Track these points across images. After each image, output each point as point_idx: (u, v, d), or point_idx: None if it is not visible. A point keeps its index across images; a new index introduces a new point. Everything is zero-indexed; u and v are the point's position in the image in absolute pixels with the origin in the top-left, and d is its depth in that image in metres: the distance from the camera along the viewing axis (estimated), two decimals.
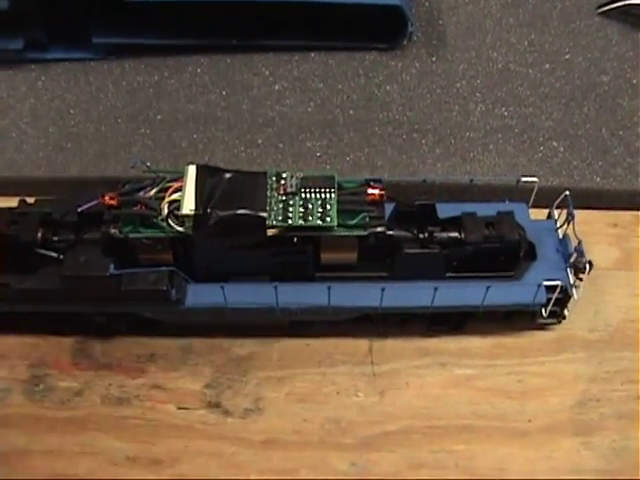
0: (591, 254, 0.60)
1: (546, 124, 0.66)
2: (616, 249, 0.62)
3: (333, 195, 0.52)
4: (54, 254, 0.55)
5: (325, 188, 0.52)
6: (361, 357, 0.57)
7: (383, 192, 0.53)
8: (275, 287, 0.53)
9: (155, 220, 0.52)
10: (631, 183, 0.63)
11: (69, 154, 0.64)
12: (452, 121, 0.66)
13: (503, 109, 0.66)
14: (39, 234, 0.54)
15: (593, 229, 0.63)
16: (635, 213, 0.64)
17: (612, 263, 0.62)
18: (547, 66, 0.69)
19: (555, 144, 0.65)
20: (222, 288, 0.53)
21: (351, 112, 0.66)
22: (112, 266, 0.53)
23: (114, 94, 0.67)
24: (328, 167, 0.62)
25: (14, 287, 0.53)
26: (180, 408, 0.55)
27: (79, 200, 0.55)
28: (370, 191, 0.53)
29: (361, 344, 0.58)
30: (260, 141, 0.64)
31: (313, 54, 0.68)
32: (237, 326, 0.57)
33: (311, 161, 0.63)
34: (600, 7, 0.71)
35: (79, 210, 0.54)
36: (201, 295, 0.55)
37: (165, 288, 0.53)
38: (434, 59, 0.69)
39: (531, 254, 0.57)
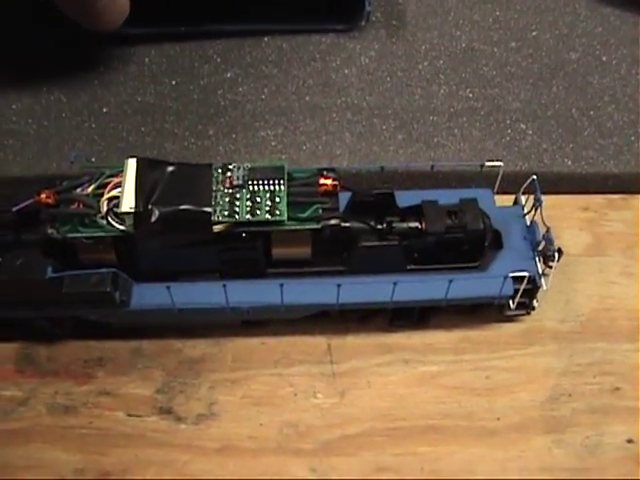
0: (561, 240, 0.58)
1: (513, 105, 0.63)
2: (587, 234, 0.60)
3: (283, 187, 0.49)
4: None
5: (274, 180, 0.49)
6: (320, 356, 0.54)
7: (336, 182, 0.50)
8: (224, 286, 0.50)
9: (94, 218, 0.49)
10: (603, 165, 0.60)
11: (10, 152, 0.60)
12: (414, 105, 0.62)
13: (468, 90, 0.63)
14: None
15: (563, 213, 0.60)
16: (607, 196, 0.61)
17: (583, 249, 0.59)
18: (513, 44, 0.66)
19: (523, 126, 0.62)
20: (168, 288, 0.50)
21: (307, 98, 0.62)
22: (50, 269, 0.50)
23: (57, 87, 0.63)
24: (284, 157, 0.59)
25: None
26: (130, 415, 0.52)
27: (17, 198, 0.52)
28: (322, 181, 0.50)
29: (320, 342, 0.55)
30: (211, 132, 0.61)
31: (266, 39, 0.65)
32: (189, 326, 0.54)
33: (265, 151, 0.60)
34: None
35: (14, 209, 0.51)
36: (147, 296, 0.51)
37: (108, 290, 0.50)
38: (394, 40, 0.65)
39: (497, 242, 0.54)
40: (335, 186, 0.50)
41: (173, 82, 0.63)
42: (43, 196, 0.50)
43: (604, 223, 0.60)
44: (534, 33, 0.66)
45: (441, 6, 0.67)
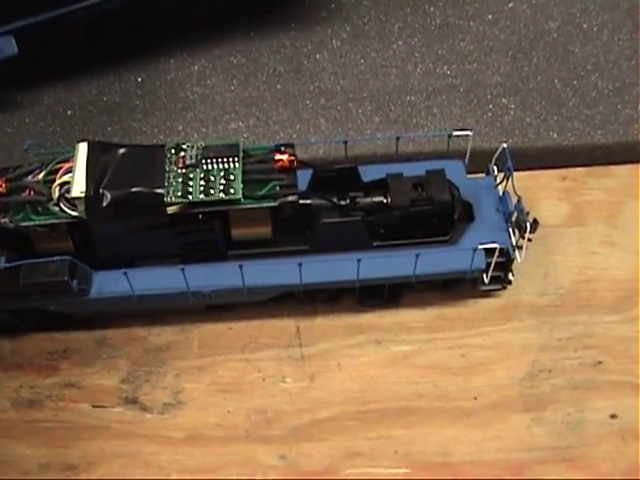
0: (539, 211, 0.56)
1: (493, 80, 0.60)
2: (566, 204, 0.57)
3: (237, 165, 0.48)
4: None
5: (228, 157, 0.48)
6: (288, 339, 0.52)
7: (293, 157, 0.48)
8: (182, 270, 0.48)
9: (47, 205, 0.48)
10: (590, 136, 0.58)
11: None
12: (390, 86, 0.60)
13: (445, 67, 0.61)
14: None
15: (540, 184, 0.58)
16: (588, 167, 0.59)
17: (562, 219, 0.57)
18: (489, 17, 0.63)
19: (505, 101, 0.59)
20: (125, 274, 0.48)
21: (279, 86, 0.60)
22: (4, 259, 0.49)
23: (19, 92, 0.61)
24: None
25: None
26: (95, 407, 0.51)
27: None
28: (278, 157, 0.48)
29: (288, 325, 0.53)
30: (180, 127, 0.59)
31: (233, 27, 0.63)
32: (154, 313, 0.53)
33: None
34: None
35: None
36: (106, 284, 0.50)
37: (65, 279, 0.48)
38: (366, 20, 0.63)
39: (469, 215, 0.52)
40: (292, 162, 0.48)
41: (139, 79, 0.61)
42: None
43: (584, 192, 0.58)
44: (510, 5, 0.64)
45: None
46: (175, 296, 0.50)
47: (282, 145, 0.49)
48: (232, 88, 0.60)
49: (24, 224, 0.48)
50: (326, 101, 0.59)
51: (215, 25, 0.63)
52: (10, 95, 0.61)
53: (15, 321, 0.53)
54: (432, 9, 0.64)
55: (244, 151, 0.48)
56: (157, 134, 0.58)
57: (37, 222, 0.48)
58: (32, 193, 0.48)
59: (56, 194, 0.48)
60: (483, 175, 0.54)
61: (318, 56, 0.61)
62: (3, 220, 0.48)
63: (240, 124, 0.58)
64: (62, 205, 0.48)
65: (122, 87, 0.61)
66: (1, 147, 0.59)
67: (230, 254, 0.51)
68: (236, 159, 0.48)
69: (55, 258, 0.48)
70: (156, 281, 0.50)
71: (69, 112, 0.60)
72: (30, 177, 0.49)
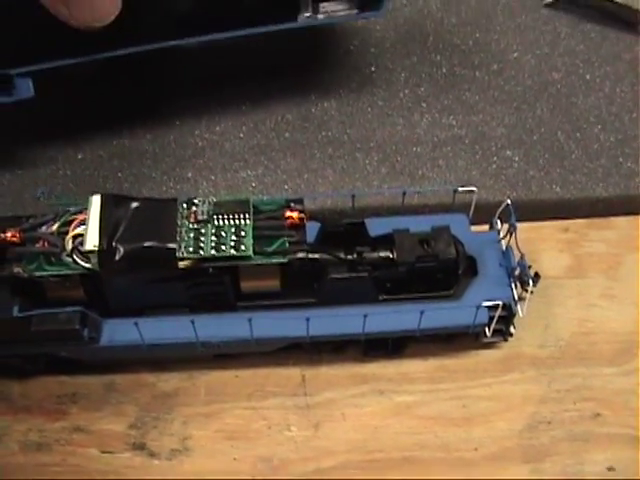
0: (540, 263, 0.57)
1: (498, 131, 0.61)
2: (567, 256, 0.58)
3: (248, 221, 0.49)
4: None
5: (239, 214, 0.49)
6: (294, 388, 0.53)
7: (303, 215, 0.49)
8: (192, 322, 0.49)
9: (60, 256, 0.49)
10: (592, 190, 0.59)
11: None
12: (397, 136, 0.61)
13: (451, 118, 0.61)
14: None
15: (542, 235, 0.59)
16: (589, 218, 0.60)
17: (563, 271, 0.58)
18: (495, 67, 0.64)
19: (509, 153, 0.60)
20: (136, 325, 0.49)
21: (287, 134, 0.61)
22: (17, 307, 0.49)
23: (29, 134, 0.61)
24: (265, 198, 0.57)
25: None
26: (103, 452, 0.52)
27: None
28: (289, 214, 0.49)
29: (293, 373, 0.54)
30: (190, 174, 0.59)
31: (242, 75, 0.63)
32: (162, 359, 0.54)
33: (246, 193, 0.58)
34: None
35: None
36: (116, 332, 0.51)
37: (77, 327, 0.49)
38: (373, 68, 0.64)
39: (472, 269, 0.53)
40: (302, 219, 0.49)
41: (148, 123, 0.62)
42: (8, 235, 0.49)
43: (584, 244, 0.59)
44: (515, 54, 0.65)
45: (420, 31, 0.66)
46: (184, 345, 0.51)
47: (292, 201, 0.50)
48: (241, 135, 0.61)
49: (37, 274, 0.49)
50: (334, 150, 0.60)
51: (225, 73, 0.64)
52: (21, 137, 0.61)
53: (25, 365, 0.54)
54: (439, 57, 0.64)
55: (254, 206, 0.49)
56: (166, 181, 0.59)
57: (50, 273, 0.49)
58: (46, 244, 0.49)
59: (69, 246, 0.48)
60: (487, 228, 0.56)
61: (326, 104, 0.62)
62: (17, 269, 0.49)
63: (249, 172, 0.59)
64: (75, 257, 0.48)
65: (132, 132, 0.61)
66: (11, 190, 0.59)
67: (239, 305, 0.52)
68: (247, 215, 0.49)
69: (69, 309, 0.49)
70: (165, 331, 0.51)
71: (79, 156, 0.60)
72: (44, 228, 0.50)
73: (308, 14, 0.56)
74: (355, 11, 0.56)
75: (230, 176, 0.59)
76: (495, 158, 0.60)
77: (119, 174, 0.60)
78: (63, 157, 0.60)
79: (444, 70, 0.64)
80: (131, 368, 0.54)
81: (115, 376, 0.54)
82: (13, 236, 0.49)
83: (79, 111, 0.63)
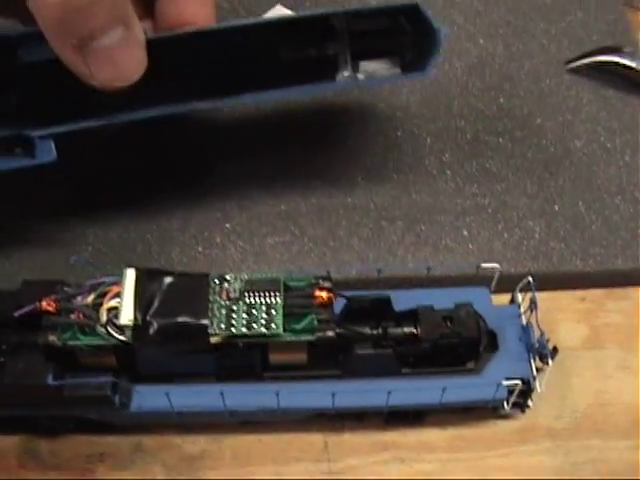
0: (557, 333, 0.59)
1: (520, 201, 0.62)
2: (584, 326, 0.60)
3: (279, 300, 0.50)
4: None
5: (270, 292, 0.50)
6: (317, 453, 0.55)
7: (332, 294, 0.50)
8: (221, 393, 0.51)
9: (94, 328, 0.50)
10: (611, 263, 0.60)
11: (15, 264, 0.60)
12: (421, 204, 0.61)
13: (475, 186, 0.62)
14: None
15: (560, 305, 0.60)
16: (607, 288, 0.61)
17: (580, 342, 0.59)
18: (518, 134, 0.65)
19: (531, 223, 0.61)
20: (167, 395, 0.51)
21: (313, 200, 0.62)
22: (52, 375, 0.51)
23: (62, 197, 0.62)
24: (292, 266, 0.59)
25: None
26: None
27: (19, 298, 0.53)
28: (318, 293, 0.50)
29: (316, 440, 0.55)
30: (219, 239, 0.60)
31: (269, 140, 0.64)
32: (189, 423, 0.55)
33: (273, 261, 0.59)
34: (569, 62, 0.68)
35: (16, 314, 0.52)
36: (146, 398, 0.52)
37: (108, 394, 0.51)
38: (399, 133, 0.64)
39: (493, 343, 0.55)
40: (330, 298, 0.50)
41: (179, 185, 0.62)
42: (44, 304, 0.51)
43: (601, 314, 0.60)
44: (538, 120, 0.66)
45: (446, 95, 0.66)
46: (211, 413, 0.52)
47: (320, 277, 0.51)
48: (269, 200, 0.62)
49: (72, 343, 0.50)
50: (360, 218, 0.61)
51: (251, 138, 0.65)
52: (55, 202, 0.62)
53: (55, 424, 0.55)
54: (463, 123, 0.65)
55: (284, 283, 0.51)
56: (195, 245, 0.60)
57: (84, 342, 0.50)
58: (81, 316, 0.50)
59: (104, 318, 0.50)
60: (506, 298, 0.57)
61: (352, 169, 0.63)
62: (51, 338, 0.51)
63: (276, 239, 0.60)
64: (109, 329, 0.50)
65: (161, 194, 0.62)
66: (44, 250, 0.60)
67: (265, 375, 0.53)
68: (277, 294, 0.50)
69: (101, 379, 0.51)
70: (194, 398, 0.52)
71: (108, 217, 0.61)
72: (79, 299, 0.51)
73: (347, 73, 0.55)
74: (398, 71, 0.55)
75: (258, 242, 0.60)
76: (517, 229, 0.61)
77: (148, 235, 0.61)
78: (92, 220, 0.61)
79: (468, 136, 0.65)
80: (158, 429, 0.56)
81: (142, 437, 0.56)
82: (49, 305, 0.51)
83: (106, 172, 0.63)
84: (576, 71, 0.68)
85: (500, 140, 0.65)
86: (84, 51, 0.47)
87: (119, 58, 0.48)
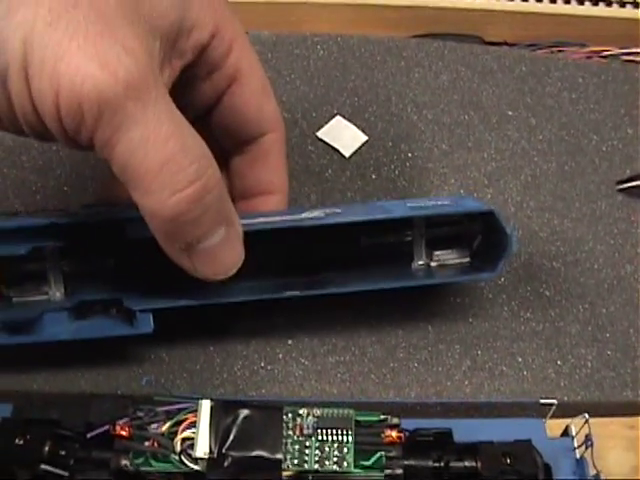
0: (606, 460, 0.60)
1: (573, 328, 0.63)
2: (633, 455, 0.61)
3: (350, 438, 0.52)
4: (61, 472, 0.54)
5: (342, 429, 0.52)
6: None
7: (401, 434, 0.52)
8: None
9: (168, 456, 0.51)
10: None
11: (79, 369, 0.60)
12: (478, 329, 0.63)
13: (529, 312, 0.63)
14: (46, 448, 0.53)
15: (609, 432, 0.62)
16: None
17: (628, 470, 0.60)
18: (570, 257, 0.66)
19: (583, 351, 0.62)
20: None
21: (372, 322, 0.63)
22: None
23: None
24: (352, 387, 0.60)
25: None
26: None
27: (90, 414, 0.54)
28: (388, 432, 0.52)
29: None
30: (280, 355, 0.61)
31: None
32: None
33: (335, 380, 0.60)
34: (619, 183, 0.70)
35: (89, 436, 0.53)
36: None
37: None
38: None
39: (547, 474, 0.56)
40: (400, 437, 0.52)
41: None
42: (118, 427, 0.52)
43: None
44: (590, 244, 0.67)
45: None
46: None
47: (389, 413, 0.53)
48: (325, 321, 0.62)
49: (144, 469, 0.52)
50: (418, 340, 0.62)
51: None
52: None
53: None
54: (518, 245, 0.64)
55: (354, 419, 0.52)
56: (257, 360, 0.61)
57: (157, 469, 0.52)
58: (155, 444, 0.52)
59: (178, 448, 0.51)
60: (556, 425, 0.58)
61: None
62: (124, 462, 0.52)
63: (337, 358, 0.61)
64: (183, 458, 0.51)
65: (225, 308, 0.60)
66: (104, 360, 0.60)
67: None
68: (349, 431, 0.52)
69: None
70: None
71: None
72: (154, 426, 0.52)
73: (422, 261, 0.61)
74: (468, 260, 0.61)
75: (320, 360, 0.61)
76: (570, 356, 0.62)
77: (211, 347, 0.61)
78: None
79: (522, 259, 0.66)
80: None
81: None
82: (123, 429, 0.52)
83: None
84: (627, 192, 0.69)
85: (554, 264, 0.66)
86: (189, 251, 0.50)
87: (221, 255, 0.52)
